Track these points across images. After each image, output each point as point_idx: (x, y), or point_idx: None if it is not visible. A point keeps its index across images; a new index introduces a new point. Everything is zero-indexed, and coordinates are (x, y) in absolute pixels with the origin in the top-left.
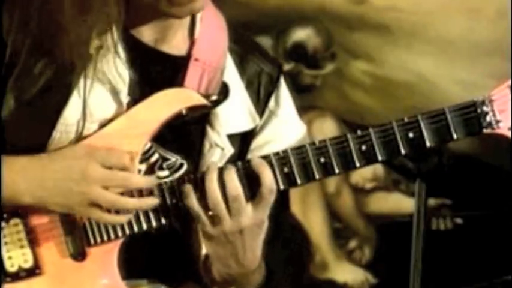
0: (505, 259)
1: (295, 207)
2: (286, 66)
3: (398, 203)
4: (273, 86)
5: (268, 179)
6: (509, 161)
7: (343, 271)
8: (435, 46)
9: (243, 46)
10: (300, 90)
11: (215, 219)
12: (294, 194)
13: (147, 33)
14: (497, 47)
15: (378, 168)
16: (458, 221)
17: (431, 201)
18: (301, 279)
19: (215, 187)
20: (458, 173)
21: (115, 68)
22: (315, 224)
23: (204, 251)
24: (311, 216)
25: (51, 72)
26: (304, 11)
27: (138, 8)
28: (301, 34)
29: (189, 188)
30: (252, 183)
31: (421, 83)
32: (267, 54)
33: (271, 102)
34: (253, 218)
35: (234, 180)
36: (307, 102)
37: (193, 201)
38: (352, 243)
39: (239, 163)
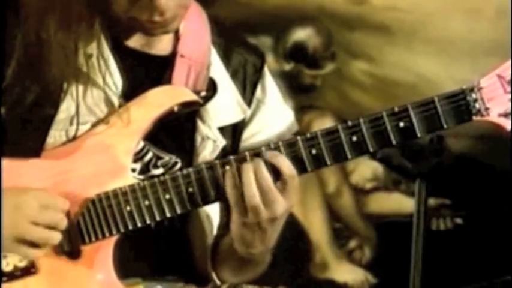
0: (505, 259)
1: (295, 207)
2: (286, 66)
3: (398, 203)
4: (258, 75)
5: (286, 166)
6: (509, 161)
7: (343, 271)
8: (435, 46)
9: (225, 38)
10: (300, 90)
11: (252, 210)
12: None
13: (133, 40)
14: (497, 47)
15: (378, 168)
16: (458, 221)
17: (431, 201)
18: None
19: (252, 180)
20: (458, 173)
21: (106, 73)
22: (315, 224)
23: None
24: (311, 216)
25: (41, 85)
26: (304, 11)
27: (118, 21)
28: (301, 34)
29: (230, 177)
30: (274, 172)
31: (421, 83)
32: (250, 44)
33: (258, 91)
34: (285, 206)
35: (265, 173)
36: (307, 102)
37: (233, 190)
38: (352, 243)
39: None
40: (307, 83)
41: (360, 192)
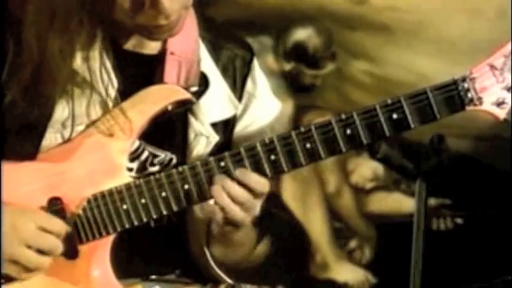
0: (505, 259)
1: (295, 207)
2: (286, 66)
3: (399, 203)
4: (247, 69)
5: (255, 183)
6: (509, 161)
7: (343, 271)
8: (435, 46)
9: (213, 33)
10: (300, 90)
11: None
12: (294, 193)
13: (126, 41)
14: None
15: (378, 168)
16: (458, 221)
17: (431, 201)
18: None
19: (226, 200)
20: (458, 173)
21: (101, 75)
22: (315, 224)
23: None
24: (311, 216)
25: (35, 86)
26: (304, 11)
27: (120, 27)
28: (301, 34)
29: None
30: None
31: (421, 83)
32: (237, 38)
33: (249, 85)
34: (260, 203)
35: (235, 187)
36: (307, 102)
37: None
38: (352, 243)
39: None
40: (307, 83)
41: (360, 192)
